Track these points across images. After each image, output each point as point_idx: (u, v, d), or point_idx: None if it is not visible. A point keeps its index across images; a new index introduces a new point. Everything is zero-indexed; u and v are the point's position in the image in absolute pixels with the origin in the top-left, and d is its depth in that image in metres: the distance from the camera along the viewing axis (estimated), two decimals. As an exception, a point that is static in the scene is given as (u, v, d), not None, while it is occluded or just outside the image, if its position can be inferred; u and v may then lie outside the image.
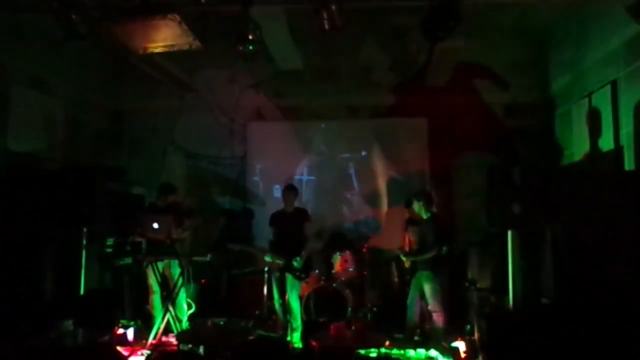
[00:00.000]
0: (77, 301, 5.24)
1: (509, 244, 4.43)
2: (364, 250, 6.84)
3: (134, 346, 5.48)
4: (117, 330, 5.58)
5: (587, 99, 6.05)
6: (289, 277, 5.80)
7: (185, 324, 5.94)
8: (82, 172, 5.27)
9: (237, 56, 5.13)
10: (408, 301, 5.83)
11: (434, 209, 5.83)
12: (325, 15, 4.81)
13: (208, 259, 6.00)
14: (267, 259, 5.93)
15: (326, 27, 4.90)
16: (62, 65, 6.81)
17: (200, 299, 6.73)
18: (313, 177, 8.00)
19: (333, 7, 4.72)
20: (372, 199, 7.85)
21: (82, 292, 5.22)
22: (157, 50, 5.25)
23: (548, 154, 7.18)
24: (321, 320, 6.23)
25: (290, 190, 6.10)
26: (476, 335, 5.15)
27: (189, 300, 6.25)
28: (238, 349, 4.40)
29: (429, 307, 5.64)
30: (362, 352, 5.09)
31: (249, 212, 7.64)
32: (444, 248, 5.59)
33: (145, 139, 8.22)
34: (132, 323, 5.81)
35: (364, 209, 7.82)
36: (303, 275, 5.86)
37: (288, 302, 5.81)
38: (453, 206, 7.52)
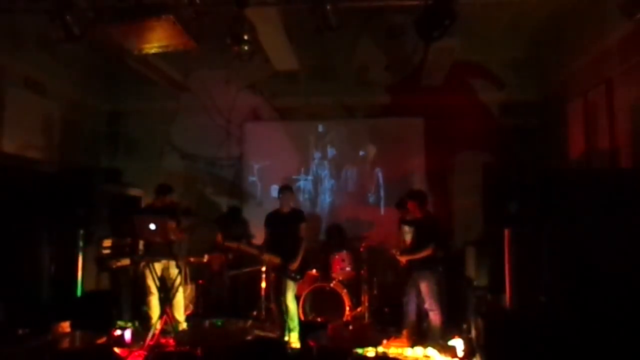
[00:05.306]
0: (74, 303, 5.23)
1: (506, 243, 4.43)
2: (361, 249, 6.84)
3: (132, 348, 5.47)
4: (115, 331, 5.57)
5: (582, 98, 6.06)
6: (285, 278, 5.80)
7: (183, 325, 5.93)
8: (79, 173, 5.28)
9: (232, 56, 5.12)
10: (405, 300, 5.84)
11: (429, 208, 5.84)
12: (320, 15, 4.81)
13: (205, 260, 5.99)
14: (264, 257, 5.94)
15: (321, 26, 4.89)
16: (58, 67, 6.77)
17: (198, 299, 6.73)
18: (310, 177, 8.01)
19: (328, 7, 4.72)
20: (369, 199, 7.86)
21: (79, 293, 5.21)
22: (152, 51, 5.24)
23: (544, 153, 7.19)
24: (318, 320, 6.23)
25: (286, 190, 6.09)
26: (473, 334, 5.16)
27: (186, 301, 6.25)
28: (236, 349, 4.40)
29: (426, 306, 5.65)
30: (360, 351, 5.10)
31: (236, 211, 7.63)
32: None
33: (142, 140, 8.21)
34: (129, 324, 5.80)
35: (360, 209, 7.82)
36: (298, 277, 5.86)
37: (285, 302, 5.81)
38: (450, 205, 7.54)
